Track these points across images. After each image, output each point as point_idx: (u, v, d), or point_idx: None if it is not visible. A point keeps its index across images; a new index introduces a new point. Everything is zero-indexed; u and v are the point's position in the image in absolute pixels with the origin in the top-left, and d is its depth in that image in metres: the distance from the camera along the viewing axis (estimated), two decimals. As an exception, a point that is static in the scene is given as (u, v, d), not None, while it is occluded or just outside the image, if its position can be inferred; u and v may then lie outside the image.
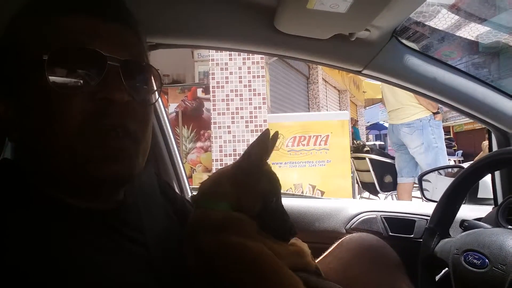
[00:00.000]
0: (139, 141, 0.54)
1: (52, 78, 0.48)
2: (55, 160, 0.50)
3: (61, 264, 0.47)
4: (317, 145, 4.20)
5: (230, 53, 4.39)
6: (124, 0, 0.57)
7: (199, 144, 4.49)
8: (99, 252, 0.51)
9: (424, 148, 3.48)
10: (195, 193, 1.38)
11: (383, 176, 4.46)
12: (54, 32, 0.50)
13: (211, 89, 4.41)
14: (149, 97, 0.58)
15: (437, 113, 3.49)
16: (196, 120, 4.51)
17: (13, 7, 0.53)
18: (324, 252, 1.03)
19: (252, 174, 0.69)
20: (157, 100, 0.60)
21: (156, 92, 0.61)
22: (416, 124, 3.49)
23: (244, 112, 4.40)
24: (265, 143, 0.68)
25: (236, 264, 0.62)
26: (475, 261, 0.73)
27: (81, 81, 0.49)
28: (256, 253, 0.64)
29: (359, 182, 4.90)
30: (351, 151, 4.50)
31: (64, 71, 0.49)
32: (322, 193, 4.17)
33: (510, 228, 0.83)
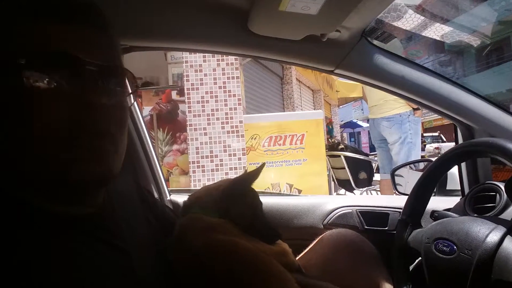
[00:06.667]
0: (117, 142, 0.56)
1: (32, 83, 0.48)
2: (35, 164, 0.50)
3: (42, 272, 0.46)
4: (293, 144, 4.25)
5: (204, 54, 4.37)
6: (97, 4, 0.57)
7: (175, 146, 4.43)
8: (79, 258, 0.51)
9: (400, 142, 3.56)
10: (173, 195, 1.38)
11: (358, 173, 4.56)
12: (31, 37, 0.50)
13: (185, 91, 4.37)
14: (125, 100, 0.60)
15: (417, 109, 3.55)
16: (171, 122, 4.45)
17: None
18: (303, 248, 1.05)
19: (245, 193, 0.80)
20: (132, 104, 0.61)
21: (132, 95, 0.63)
22: (396, 118, 3.56)
23: (220, 114, 4.38)
24: (259, 174, 0.79)
25: (227, 258, 0.65)
26: (444, 248, 0.77)
27: (61, 86, 0.50)
28: (245, 248, 0.68)
29: (335, 180, 4.99)
30: (326, 149, 4.58)
31: (44, 76, 0.49)
32: (299, 191, 4.22)
33: (475, 216, 0.88)
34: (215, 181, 0.88)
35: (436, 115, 1.14)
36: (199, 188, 0.86)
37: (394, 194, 1.67)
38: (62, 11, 0.52)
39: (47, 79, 0.49)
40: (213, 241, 0.67)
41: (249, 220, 0.77)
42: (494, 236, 0.70)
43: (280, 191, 4.18)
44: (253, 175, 0.79)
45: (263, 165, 0.80)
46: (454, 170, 1.18)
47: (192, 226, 0.70)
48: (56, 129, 0.49)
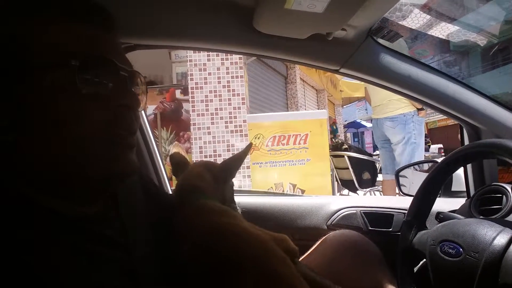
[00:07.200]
0: (136, 140, 0.61)
1: (82, 84, 0.51)
2: (65, 163, 0.51)
3: (52, 270, 0.46)
4: (297, 144, 4.24)
5: (208, 53, 4.37)
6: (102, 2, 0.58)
7: (178, 145, 4.43)
8: (84, 256, 0.51)
9: (403, 142, 3.54)
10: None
11: (362, 173, 4.55)
12: (73, 40, 0.52)
13: (189, 90, 4.37)
14: (143, 102, 0.64)
15: (422, 109, 3.53)
16: (175, 121, 4.46)
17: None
18: (307, 249, 1.04)
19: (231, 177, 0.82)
20: (146, 104, 0.64)
21: (144, 96, 0.66)
22: (400, 118, 3.53)
23: (224, 113, 4.38)
24: (246, 154, 0.82)
25: (237, 239, 0.66)
26: (450, 250, 0.76)
27: (98, 89, 0.53)
28: (253, 233, 0.69)
29: (338, 180, 4.98)
30: (330, 149, 4.56)
31: (87, 78, 0.52)
32: (303, 191, 4.21)
33: (482, 218, 0.87)
34: (194, 164, 0.87)
35: (441, 115, 1.13)
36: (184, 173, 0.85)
37: (397, 195, 1.66)
38: (105, 20, 0.57)
39: (97, 82, 0.53)
40: (222, 224, 0.68)
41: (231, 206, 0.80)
42: (501, 239, 0.69)
43: (283, 191, 4.17)
44: (241, 156, 0.81)
45: (250, 145, 0.83)
46: (460, 171, 1.17)
47: (198, 212, 0.70)
48: (90, 128, 0.52)
